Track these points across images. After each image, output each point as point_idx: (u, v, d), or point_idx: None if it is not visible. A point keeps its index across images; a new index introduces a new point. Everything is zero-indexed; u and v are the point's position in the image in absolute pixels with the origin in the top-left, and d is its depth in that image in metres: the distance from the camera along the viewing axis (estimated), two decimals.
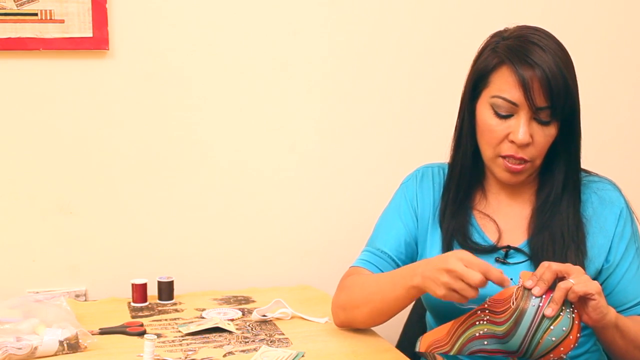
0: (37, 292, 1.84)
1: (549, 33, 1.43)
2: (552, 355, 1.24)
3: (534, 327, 1.22)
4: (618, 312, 1.39)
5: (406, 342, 1.80)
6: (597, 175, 1.51)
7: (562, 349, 1.23)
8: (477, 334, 1.28)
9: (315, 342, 1.52)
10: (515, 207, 1.50)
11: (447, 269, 1.29)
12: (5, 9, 1.79)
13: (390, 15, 2.05)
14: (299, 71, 2.01)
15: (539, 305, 1.23)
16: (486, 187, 1.53)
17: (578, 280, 1.23)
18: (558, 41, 1.42)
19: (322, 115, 2.04)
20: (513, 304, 1.24)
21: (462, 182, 1.52)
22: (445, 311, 1.50)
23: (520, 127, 1.38)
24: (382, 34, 2.05)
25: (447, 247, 1.49)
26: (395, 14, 2.05)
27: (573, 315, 1.23)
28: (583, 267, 1.39)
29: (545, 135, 1.40)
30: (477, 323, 1.29)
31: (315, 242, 2.05)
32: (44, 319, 1.51)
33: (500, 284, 1.27)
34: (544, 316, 1.22)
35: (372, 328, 1.63)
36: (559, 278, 1.25)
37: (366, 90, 2.06)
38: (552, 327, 1.22)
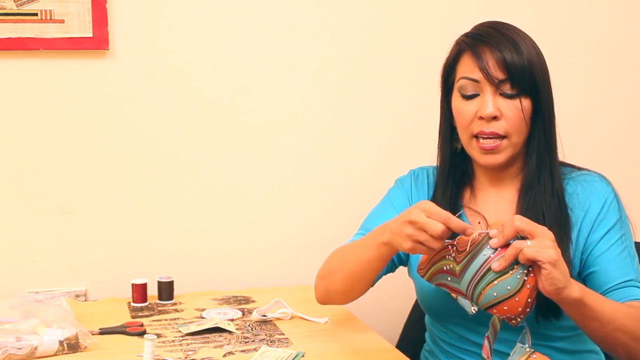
0: (37, 292, 1.84)
1: (510, 23, 1.47)
2: (495, 310, 1.21)
3: (478, 277, 1.21)
4: (602, 293, 1.38)
5: (406, 342, 1.80)
6: (587, 170, 1.52)
7: (505, 307, 1.20)
8: (444, 268, 1.28)
9: (315, 342, 1.52)
10: (503, 202, 1.51)
11: (409, 221, 1.28)
12: (5, 9, 1.79)
13: (389, 15, 2.05)
14: (298, 71, 2.01)
15: (489, 257, 1.21)
16: (475, 185, 1.54)
17: (535, 244, 1.20)
18: (519, 29, 1.45)
19: (322, 115, 2.04)
20: (471, 245, 1.24)
21: (448, 180, 1.53)
22: (442, 311, 1.50)
23: (485, 101, 1.41)
24: (381, 34, 2.05)
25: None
26: (393, 14, 2.05)
27: (525, 278, 1.20)
28: (568, 252, 1.39)
29: (513, 108, 1.41)
30: (446, 257, 1.28)
31: (315, 242, 2.05)
32: (44, 319, 1.51)
33: (462, 232, 1.26)
34: (489, 269, 1.20)
35: (372, 328, 1.63)
36: (524, 237, 1.23)
37: (365, 90, 2.06)
38: (495, 282, 1.20)
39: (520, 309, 1.20)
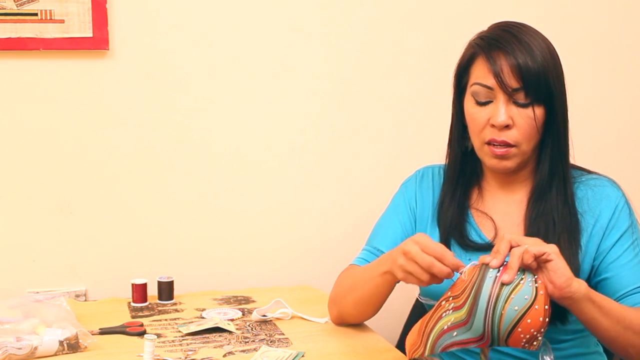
0: (37, 292, 1.84)
1: (524, 24, 1.45)
2: (520, 329, 1.18)
3: (494, 298, 1.19)
4: (615, 299, 1.39)
5: (406, 342, 1.80)
6: (597, 173, 1.51)
7: (529, 320, 1.18)
8: (446, 327, 1.24)
9: (315, 342, 1.52)
10: (512, 205, 1.50)
11: (403, 251, 1.33)
12: (5, 9, 1.79)
13: (391, 16, 2.05)
14: (299, 71, 2.01)
15: (496, 276, 1.21)
16: (483, 185, 1.54)
17: (532, 244, 1.23)
18: (536, 30, 1.44)
19: (322, 115, 2.04)
20: (470, 281, 1.23)
21: (458, 180, 1.53)
22: None
23: (498, 110, 1.40)
24: (382, 34, 2.05)
25: (445, 245, 1.49)
26: (395, 15, 2.05)
27: (536, 285, 1.20)
28: (577, 258, 1.40)
29: (525, 117, 1.40)
30: (444, 315, 1.25)
31: (315, 242, 2.05)
32: (44, 319, 1.51)
33: (455, 268, 1.28)
34: (502, 285, 1.20)
35: (372, 328, 1.63)
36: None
37: (366, 90, 2.06)
38: (512, 296, 1.19)
39: (541, 318, 1.19)
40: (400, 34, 2.06)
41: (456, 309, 1.24)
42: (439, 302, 1.28)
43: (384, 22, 2.05)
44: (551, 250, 1.22)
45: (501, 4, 2.10)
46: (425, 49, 2.07)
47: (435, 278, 1.31)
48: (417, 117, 2.09)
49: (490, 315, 1.19)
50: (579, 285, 1.26)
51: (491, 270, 1.22)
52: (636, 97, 2.27)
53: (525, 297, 1.19)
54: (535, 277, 1.22)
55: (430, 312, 1.29)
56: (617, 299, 1.39)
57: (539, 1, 2.15)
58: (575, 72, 2.17)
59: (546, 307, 1.20)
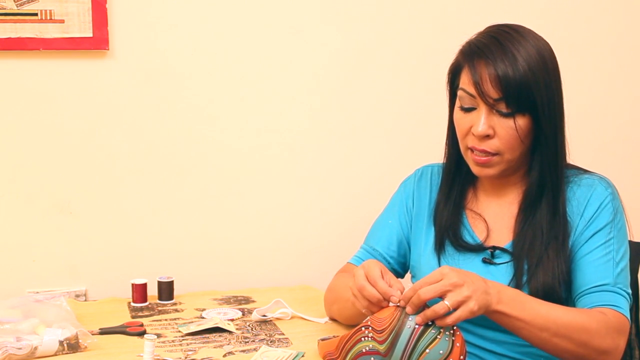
0: (37, 292, 1.84)
1: (519, 28, 1.42)
2: None
3: (409, 349, 1.21)
4: (575, 296, 1.40)
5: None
6: (591, 172, 1.50)
7: None
8: (364, 350, 1.26)
9: (315, 342, 1.52)
10: (504, 207, 1.50)
11: (353, 274, 1.36)
12: (5, 9, 1.79)
13: (390, 16, 2.05)
14: (299, 71, 2.01)
15: (414, 328, 1.22)
16: (478, 186, 1.54)
17: (454, 303, 1.22)
18: (531, 34, 1.41)
19: (322, 115, 2.04)
20: (391, 324, 1.24)
21: (454, 180, 1.53)
22: None
23: (479, 119, 1.39)
24: (381, 34, 2.05)
25: (439, 244, 1.51)
26: (395, 15, 2.05)
27: (453, 338, 1.22)
28: (564, 265, 1.40)
29: (506, 127, 1.38)
30: (363, 339, 1.27)
31: (315, 242, 2.05)
32: (44, 319, 1.51)
33: (385, 296, 1.29)
34: (419, 339, 1.21)
35: None
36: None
37: (366, 91, 2.06)
38: (427, 351, 1.21)
39: None
40: (400, 33, 2.06)
41: (375, 340, 1.26)
42: (359, 326, 1.29)
43: (384, 22, 2.05)
44: (470, 314, 1.23)
45: (502, 4, 2.09)
46: (425, 48, 2.07)
47: (372, 305, 1.31)
48: (417, 117, 2.09)
49: None
50: (494, 308, 1.28)
51: (410, 319, 1.24)
52: (636, 98, 2.26)
53: (440, 352, 1.21)
54: (454, 329, 1.23)
55: (350, 333, 1.30)
56: (576, 297, 1.40)
57: (539, 1, 2.14)
58: (576, 72, 2.18)
59: (461, 357, 1.22)
